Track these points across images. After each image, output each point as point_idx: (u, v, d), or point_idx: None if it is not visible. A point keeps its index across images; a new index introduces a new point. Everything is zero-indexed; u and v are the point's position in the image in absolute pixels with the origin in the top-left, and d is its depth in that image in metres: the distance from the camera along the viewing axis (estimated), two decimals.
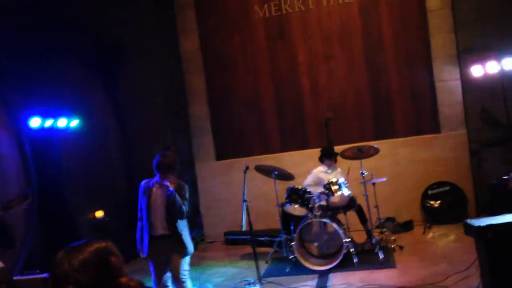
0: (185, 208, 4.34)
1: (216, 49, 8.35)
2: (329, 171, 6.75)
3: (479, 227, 4.28)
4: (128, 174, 8.14)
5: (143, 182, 4.50)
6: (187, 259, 4.47)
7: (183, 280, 4.44)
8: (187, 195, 4.44)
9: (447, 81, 7.53)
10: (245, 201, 5.08)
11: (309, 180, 6.67)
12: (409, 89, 7.74)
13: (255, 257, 5.07)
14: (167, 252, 4.39)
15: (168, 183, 4.29)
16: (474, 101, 7.46)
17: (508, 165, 6.60)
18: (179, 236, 4.38)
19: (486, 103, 7.33)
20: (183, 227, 4.45)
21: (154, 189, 4.42)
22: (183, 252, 4.41)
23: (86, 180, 7.33)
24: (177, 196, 4.28)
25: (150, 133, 8.27)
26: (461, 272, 4.96)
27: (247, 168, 5.42)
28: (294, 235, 6.04)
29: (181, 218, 4.38)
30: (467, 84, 7.44)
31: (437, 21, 7.49)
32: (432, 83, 7.60)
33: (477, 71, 7.20)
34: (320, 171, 6.76)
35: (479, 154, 7.39)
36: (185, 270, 4.45)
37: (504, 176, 6.11)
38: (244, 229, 4.91)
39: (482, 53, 7.06)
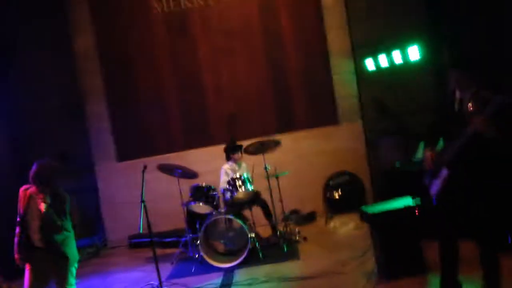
0: (62, 224, 4.06)
1: (114, 46, 8.00)
2: (236, 167, 6.74)
3: (373, 214, 4.48)
4: (20, 179, 7.55)
5: (22, 188, 4.17)
6: (72, 271, 4.19)
7: None
8: (67, 208, 4.16)
9: (343, 74, 7.81)
10: (143, 202, 4.87)
11: (223, 178, 6.60)
12: (308, 83, 7.92)
13: (155, 259, 4.91)
14: (46, 264, 4.10)
15: (42, 198, 4.00)
16: (368, 93, 7.79)
17: (400, 152, 6.99)
18: (57, 248, 4.10)
19: (379, 94, 7.68)
20: (64, 236, 4.16)
21: (32, 199, 4.10)
22: (65, 264, 4.14)
23: None
24: (51, 212, 4.01)
25: (46, 135, 7.78)
26: (359, 258, 5.17)
27: (145, 167, 5.23)
28: (199, 233, 5.97)
29: (57, 234, 4.10)
30: (362, 77, 7.76)
31: (332, 17, 7.73)
32: (330, 76, 7.84)
33: (370, 64, 7.54)
34: (228, 168, 6.73)
35: (374, 143, 7.74)
36: (70, 285, 4.17)
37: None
38: (141, 231, 4.71)
39: (374, 47, 7.38)
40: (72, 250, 4.21)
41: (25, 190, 4.14)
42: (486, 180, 3.48)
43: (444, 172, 3.60)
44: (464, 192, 3.53)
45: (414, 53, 6.73)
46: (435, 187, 3.67)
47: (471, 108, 3.41)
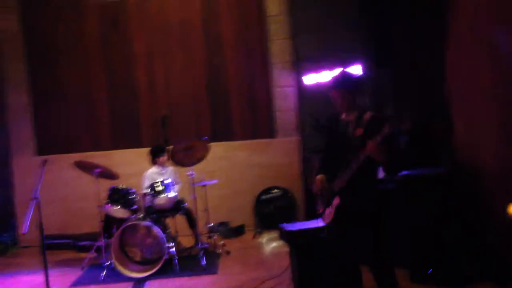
0: None
1: (41, 33, 7.49)
2: (163, 171, 6.40)
3: (290, 232, 4.25)
4: None
5: None
6: None
7: None
8: None
9: (283, 87, 7.63)
10: (36, 198, 4.40)
11: (146, 183, 6.21)
12: (247, 92, 7.69)
13: (45, 264, 4.43)
14: None
15: None
16: (308, 108, 7.63)
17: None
18: None
19: (317, 110, 7.53)
20: None
21: None
22: None
23: None
24: None
25: None
26: (276, 278, 4.92)
27: (44, 161, 4.75)
28: (112, 239, 5.55)
29: None
30: (302, 91, 7.60)
31: (276, 26, 7.55)
32: (270, 88, 7.64)
33: (310, 79, 7.39)
34: (153, 173, 6.38)
35: (310, 160, 7.58)
36: None
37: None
38: (24, 231, 4.22)
39: (316, 62, 7.24)
40: None
41: None
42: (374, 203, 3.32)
43: (336, 200, 3.41)
44: (356, 218, 3.35)
45: (355, 71, 6.65)
46: (328, 216, 3.47)
47: (359, 132, 3.20)
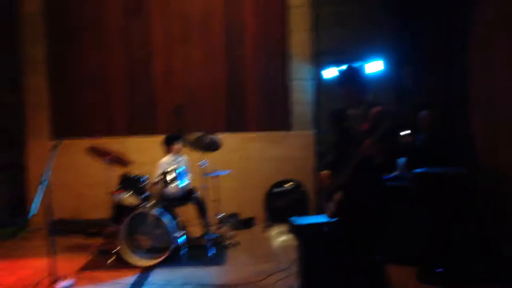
0: None
1: (63, 15, 7.49)
2: (177, 160, 6.35)
3: (299, 226, 4.16)
4: None
5: None
6: None
7: None
8: None
9: (302, 80, 7.51)
10: (44, 182, 4.37)
11: (159, 171, 6.17)
12: (265, 84, 7.58)
13: (52, 248, 4.40)
14: None
15: None
16: (326, 102, 7.51)
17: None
18: None
19: (335, 105, 7.38)
20: None
21: None
22: None
23: None
24: None
25: None
26: (284, 271, 4.85)
27: (55, 146, 4.71)
28: (122, 226, 5.53)
29: None
30: (321, 85, 7.48)
31: (297, 18, 7.42)
32: (288, 80, 7.53)
33: (330, 73, 7.26)
34: (167, 161, 6.34)
35: (325, 155, 7.44)
36: None
37: None
38: (32, 213, 4.20)
39: (336, 56, 7.10)
40: None
41: None
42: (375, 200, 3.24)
43: (338, 195, 3.33)
44: (357, 213, 3.25)
45: (376, 67, 6.52)
46: (330, 210, 3.40)
47: (365, 127, 3.12)
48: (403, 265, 4.74)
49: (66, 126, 7.53)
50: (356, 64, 3.40)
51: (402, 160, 5.89)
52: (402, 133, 6.13)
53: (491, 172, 4.41)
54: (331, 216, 3.40)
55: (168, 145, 6.39)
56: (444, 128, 5.59)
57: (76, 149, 7.13)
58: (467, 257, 4.42)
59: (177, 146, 6.31)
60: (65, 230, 6.93)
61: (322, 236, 3.51)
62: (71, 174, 7.35)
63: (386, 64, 6.60)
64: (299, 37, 7.44)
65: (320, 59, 7.43)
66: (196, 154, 6.26)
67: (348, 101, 3.33)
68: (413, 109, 6.90)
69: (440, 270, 4.39)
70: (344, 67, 3.39)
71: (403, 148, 5.82)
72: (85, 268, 5.41)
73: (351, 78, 3.32)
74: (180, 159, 6.43)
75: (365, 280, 3.33)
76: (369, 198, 3.28)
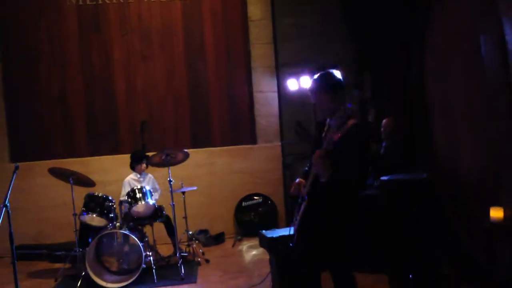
0: None
1: (18, 35, 7.26)
2: (141, 178, 6.26)
3: (270, 239, 4.15)
4: None
5: None
6: None
7: None
8: None
9: (265, 92, 7.55)
10: (5, 206, 4.21)
11: (125, 190, 6.06)
12: (228, 97, 7.58)
13: (15, 276, 4.21)
14: None
15: None
16: (290, 114, 7.58)
17: None
18: None
19: (300, 117, 7.47)
20: None
21: None
22: None
23: None
24: None
25: None
26: (255, 286, 4.82)
27: (16, 168, 4.55)
28: (89, 248, 5.38)
29: None
30: (284, 97, 7.55)
31: (258, 30, 7.49)
32: (251, 93, 7.56)
33: (292, 85, 7.34)
34: (132, 179, 6.24)
35: (292, 167, 7.50)
36: None
37: None
38: None
39: (298, 67, 7.19)
40: None
41: None
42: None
43: (303, 205, 3.26)
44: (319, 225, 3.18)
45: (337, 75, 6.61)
46: (295, 222, 3.32)
47: (337, 137, 2.98)
48: (375, 273, 4.81)
49: (25, 148, 7.29)
50: (330, 70, 3.32)
51: None
52: None
53: (452, 177, 4.53)
54: (296, 229, 3.30)
55: (133, 164, 6.30)
56: (406, 135, 5.73)
57: (37, 171, 6.95)
58: (435, 261, 4.51)
59: (141, 166, 6.24)
60: (28, 255, 6.69)
61: (291, 249, 3.41)
62: (32, 197, 7.12)
63: (345, 73, 6.71)
64: (261, 49, 7.50)
65: (283, 71, 7.52)
66: (162, 171, 6.20)
67: (323, 108, 3.27)
68: (375, 118, 7.06)
69: (410, 275, 4.45)
70: (316, 74, 3.31)
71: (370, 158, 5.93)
72: None
73: (324, 83, 3.25)
74: (146, 176, 6.34)
75: None
76: (329, 213, 3.16)
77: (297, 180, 3.44)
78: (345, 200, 3.13)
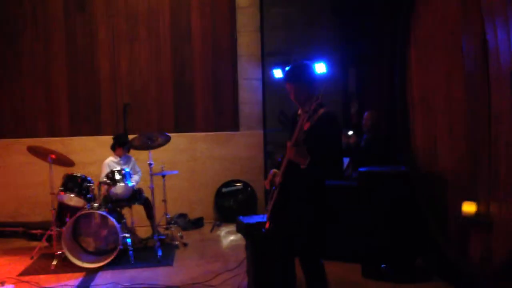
0: None
1: (2, 8, 7.15)
2: (121, 161, 6.24)
3: (246, 225, 4.18)
4: None
5: None
6: None
7: None
8: None
9: (250, 80, 7.55)
10: None
11: (104, 172, 6.03)
12: (212, 83, 7.57)
13: None
14: None
15: None
16: (273, 103, 7.61)
17: None
18: None
19: (284, 106, 7.50)
20: None
21: None
22: None
23: None
24: None
25: None
26: (232, 270, 4.87)
27: None
28: (65, 228, 5.37)
29: None
30: (269, 86, 7.57)
31: (245, 18, 7.46)
32: (236, 80, 7.56)
33: (277, 74, 7.36)
34: (112, 161, 6.22)
35: (274, 155, 7.56)
36: None
37: None
38: None
39: (284, 56, 7.22)
40: None
41: None
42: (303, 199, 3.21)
43: (274, 195, 3.30)
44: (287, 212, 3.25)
45: (321, 68, 6.65)
46: (268, 210, 3.38)
47: (307, 126, 2.96)
48: (348, 262, 4.89)
49: (4, 125, 7.21)
50: (304, 61, 3.34)
51: (346, 160, 6.06)
52: (347, 134, 6.32)
53: (428, 171, 4.60)
54: (268, 217, 3.35)
55: (114, 146, 6.28)
56: (386, 129, 5.79)
57: (16, 149, 6.90)
58: (409, 252, 4.60)
59: (119, 151, 6.23)
60: (4, 233, 6.66)
61: (265, 236, 3.45)
62: (10, 175, 7.07)
63: (331, 65, 6.75)
64: (247, 37, 7.49)
65: (268, 59, 7.53)
66: (144, 154, 6.19)
67: (295, 98, 3.29)
68: (358, 110, 7.13)
69: (383, 266, 4.54)
70: (291, 63, 3.33)
71: (347, 149, 5.99)
72: (26, 272, 5.21)
73: (298, 74, 3.25)
74: (126, 159, 6.33)
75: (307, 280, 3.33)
76: (297, 202, 3.23)
77: (271, 171, 3.49)
78: (314, 188, 3.19)
